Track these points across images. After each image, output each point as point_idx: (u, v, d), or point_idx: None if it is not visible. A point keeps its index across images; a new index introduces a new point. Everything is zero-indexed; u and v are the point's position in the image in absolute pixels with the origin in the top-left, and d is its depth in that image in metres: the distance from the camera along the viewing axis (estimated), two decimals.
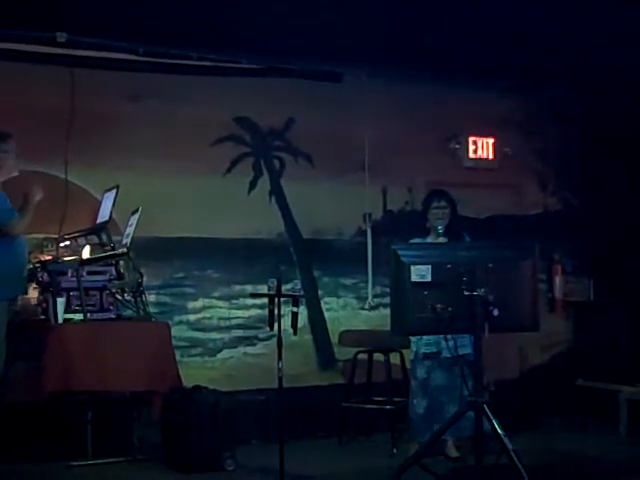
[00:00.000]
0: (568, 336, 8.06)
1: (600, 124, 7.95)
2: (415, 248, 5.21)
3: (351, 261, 7.41)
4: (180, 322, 6.79)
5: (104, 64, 6.49)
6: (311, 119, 7.14)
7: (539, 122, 8.10)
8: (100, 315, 5.89)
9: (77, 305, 5.81)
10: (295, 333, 5.35)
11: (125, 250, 5.90)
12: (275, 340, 5.21)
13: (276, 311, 5.21)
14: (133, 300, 6.04)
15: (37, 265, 5.85)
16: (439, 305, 4.48)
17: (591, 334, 7.67)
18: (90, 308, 5.84)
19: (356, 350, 6.79)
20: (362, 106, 7.21)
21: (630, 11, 6.14)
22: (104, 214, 6.16)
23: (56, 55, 6.33)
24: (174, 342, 6.05)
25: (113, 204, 6.06)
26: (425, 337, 5.81)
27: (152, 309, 6.24)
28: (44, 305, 5.82)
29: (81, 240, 6.33)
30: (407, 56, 6.89)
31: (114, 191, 6.09)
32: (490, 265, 4.56)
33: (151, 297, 6.39)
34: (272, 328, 5.27)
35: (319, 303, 7.33)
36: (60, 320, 5.67)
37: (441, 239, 5.90)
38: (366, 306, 7.45)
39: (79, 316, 5.78)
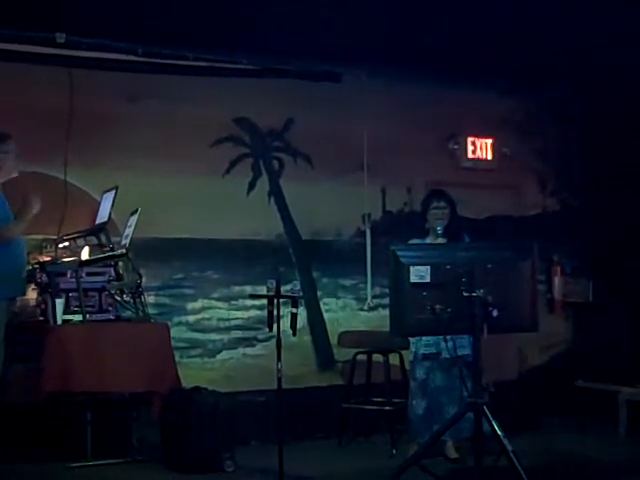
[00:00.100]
0: (567, 337, 8.07)
1: (600, 124, 7.95)
2: (414, 249, 5.21)
3: (350, 262, 7.40)
4: (179, 323, 6.79)
5: (103, 65, 6.50)
6: (310, 119, 7.14)
7: (539, 122, 8.10)
8: (99, 316, 5.88)
9: (76, 306, 5.81)
10: (294, 334, 5.35)
11: (124, 251, 5.90)
12: (274, 341, 5.21)
13: (275, 312, 5.21)
14: (132, 301, 6.04)
15: (36, 266, 5.84)
16: (438, 306, 4.48)
17: (590, 335, 7.67)
18: (89, 309, 5.83)
19: (355, 351, 6.79)
20: (361, 106, 7.20)
21: (630, 11, 6.15)
22: (103, 215, 6.15)
23: (55, 56, 6.33)
24: (173, 343, 6.05)
25: (112, 205, 6.06)
26: (424, 338, 5.80)
27: (151, 310, 6.24)
28: (43, 306, 5.81)
29: (80, 241, 6.33)
30: (407, 56, 6.89)
31: (113, 192, 6.08)
32: (489, 266, 4.55)
33: (150, 298, 6.39)
34: (271, 329, 5.27)
35: (318, 304, 7.32)
36: (59, 321, 5.67)
37: (440, 240, 5.90)
38: (365, 307, 7.45)
39: (78, 317, 5.78)
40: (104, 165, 6.47)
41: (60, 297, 5.71)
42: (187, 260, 6.84)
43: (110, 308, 5.97)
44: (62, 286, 5.78)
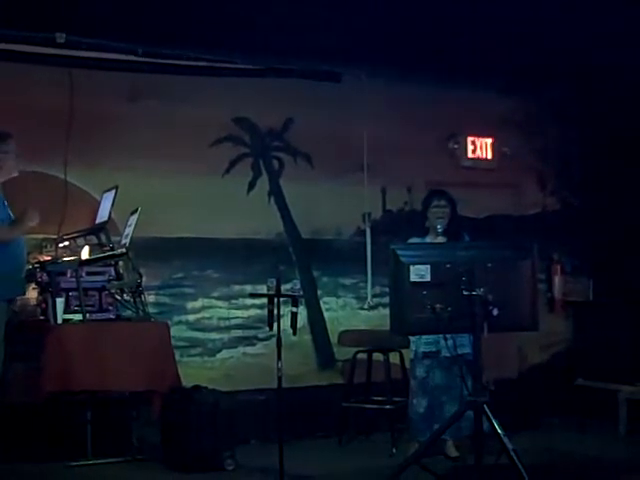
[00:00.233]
0: (567, 336, 8.06)
1: (600, 124, 7.95)
2: (414, 248, 5.21)
3: (350, 261, 7.41)
4: (179, 322, 6.79)
5: (103, 65, 6.50)
6: (310, 119, 7.14)
7: (539, 122, 8.10)
8: (99, 315, 5.89)
9: (76, 305, 5.81)
10: (294, 333, 5.35)
11: (124, 250, 5.90)
12: (274, 340, 5.21)
13: (275, 311, 5.21)
14: (132, 300, 6.04)
15: (36, 265, 5.85)
16: (438, 305, 4.48)
17: (590, 334, 7.67)
18: (89, 308, 5.84)
19: (355, 350, 6.79)
20: (361, 106, 7.21)
21: (630, 11, 6.15)
22: (103, 214, 6.16)
23: (55, 56, 6.33)
24: (173, 342, 6.05)
25: (112, 204, 6.06)
26: (424, 336, 5.81)
27: (151, 309, 6.24)
28: (43, 305, 5.82)
29: (80, 240, 6.33)
30: (407, 56, 6.89)
31: (113, 191, 6.09)
32: (489, 265, 4.56)
33: (150, 297, 6.39)
34: (271, 328, 5.27)
35: (318, 303, 7.33)
36: (59, 320, 5.67)
37: (440, 238, 5.91)
38: (365, 306, 7.45)
39: (78, 316, 5.78)
40: (104, 165, 6.47)
41: (60, 296, 5.71)
42: (187, 259, 6.85)
43: (110, 307, 5.97)
44: (62, 285, 5.78)
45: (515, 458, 4.45)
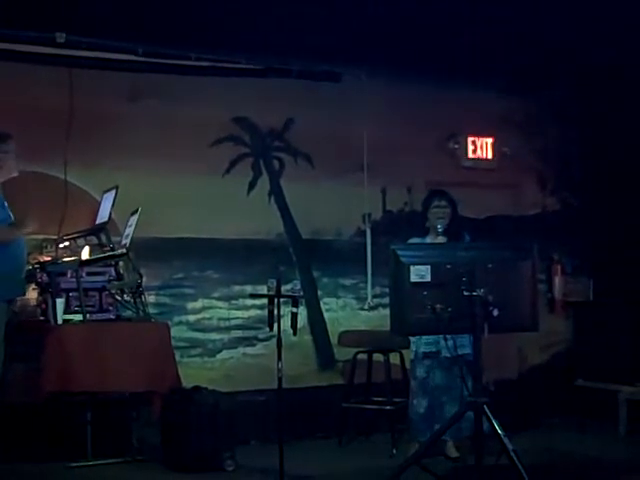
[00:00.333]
0: (567, 336, 8.06)
1: (600, 124, 7.95)
2: (414, 248, 5.21)
3: (350, 261, 7.41)
4: (180, 323, 6.79)
5: (103, 64, 6.50)
6: (310, 119, 7.14)
7: (538, 122, 8.10)
8: (99, 316, 5.89)
9: (76, 306, 5.81)
10: (295, 334, 5.35)
11: (124, 251, 5.90)
12: (275, 341, 5.21)
13: (276, 312, 5.21)
14: (132, 301, 6.04)
15: (36, 266, 5.85)
16: (438, 305, 4.48)
17: (590, 334, 7.66)
18: (89, 309, 5.83)
19: (356, 350, 6.79)
20: (361, 106, 7.21)
21: (630, 11, 6.14)
22: (103, 215, 6.15)
23: (55, 55, 6.33)
24: (174, 343, 6.04)
25: (112, 205, 6.06)
26: (425, 337, 5.81)
27: (152, 310, 6.24)
28: (43, 306, 5.81)
29: (80, 241, 6.33)
30: (407, 56, 6.89)
31: (113, 192, 6.08)
32: (489, 265, 4.55)
33: (150, 298, 6.39)
34: (272, 329, 5.26)
35: (318, 303, 7.33)
36: (59, 321, 5.67)
37: (440, 238, 5.90)
38: (365, 306, 7.45)
39: (78, 317, 5.78)
40: (104, 165, 6.46)
41: (60, 297, 5.71)
42: (187, 260, 6.84)
43: (110, 308, 5.97)
44: (62, 286, 5.78)
45: (515, 458, 4.45)
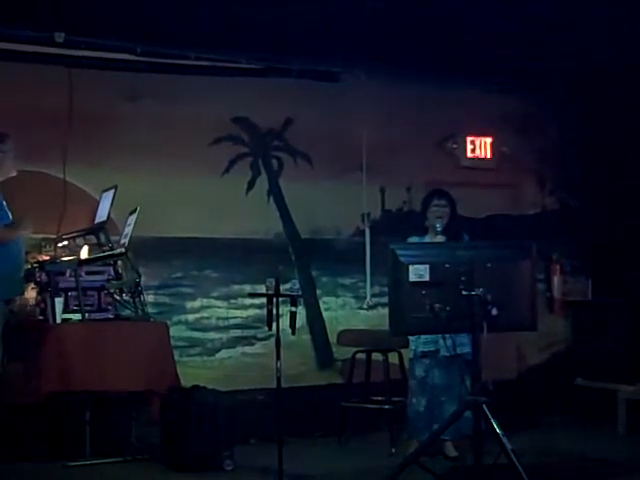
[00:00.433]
0: (566, 335, 8.06)
1: (599, 124, 7.95)
2: (413, 248, 5.21)
3: (349, 261, 7.40)
4: (179, 322, 6.79)
5: (102, 64, 6.50)
6: (310, 119, 7.14)
7: (538, 122, 8.09)
8: (98, 315, 5.89)
9: (75, 305, 5.81)
10: (293, 333, 5.34)
11: (123, 250, 5.90)
12: (273, 340, 5.22)
13: (274, 311, 5.21)
14: (131, 300, 6.04)
15: (35, 265, 5.84)
16: (437, 305, 4.48)
17: (589, 333, 7.66)
18: (88, 308, 5.83)
19: (354, 350, 6.79)
20: (360, 106, 7.21)
21: (630, 11, 6.14)
22: (102, 214, 6.16)
23: (54, 55, 6.33)
24: (173, 342, 6.05)
25: (111, 204, 6.06)
26: (423, 335, 5.81)
27: (150, 309, 6.24)
28: (42, 305, 5.81)
29: (79, 240, 6.33)
30: (406, 56, 6.89)
31: (112, 191, 6.08)
32: (488, 265, 4.56)
33: (149, 297, 6.39)
34: (270, 328, 5.26)
35: (317, 303, 7.32)
36: (58, 320, 5.66)
37: (439, 238, 5.91)
38: (364, 306, 7.45)
39: (77, 316, 5.78)
40: (103, 164, 6.46)
41: (59, 296, 5.71)
42: (186, 259, 6.84)
43: (109, 307, 5.97)
44: (61, 285, 5.78)
45: (514, 458, 4.45)
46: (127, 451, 5.87)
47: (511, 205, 8.03)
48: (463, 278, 4.49)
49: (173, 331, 6.26)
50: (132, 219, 5.97)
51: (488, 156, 7.91)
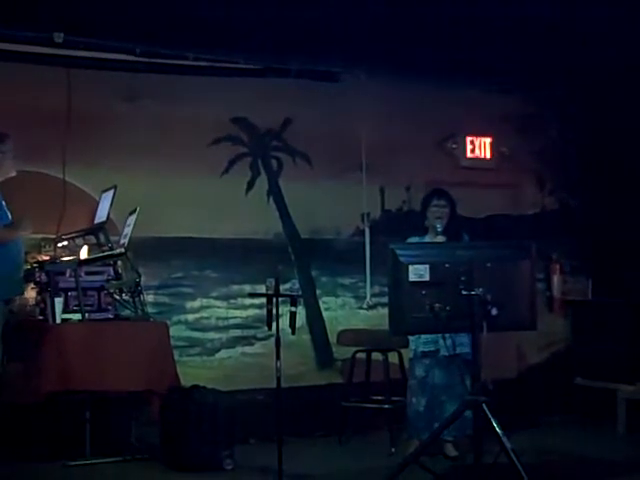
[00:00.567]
0: (566, 335, 8.06)
1: (599, 124, 7.95)
2: (413, 248, 5.22)
3: (349, 261, 7.40)
4: (178, 322, 6.78)
5: (101, 64, 6.49)
6: (309, 119, 7.13)
7: (538, 122, 8.09)
8: (98, 315, 5.89)
9: (75, 305, 5.81)
10: (293, 333, 5.34)
11: (123, 250, 5.90)
12: (273, 340, 5.22)
13: (274, 311, 5.21)
14: (131, 300, 6.04)
15: (35, 265, 5.85)
16: (437, 304, 4.48)
17: (589, 333, 7.67)
18: (88, 308, 5.83)
19: (354, 349, 6.79)
20: (360, 106, 7.21)
21: (630, 11, 6.15)
22: (102, 214, 6.16)
23: (53, 55, 6.33)
24: (172, 342, 6.05)
25: (111, 204, 6.06)
26: (423, 335, 5.81)
27: (150, 309, 6.24)
28: (42, 305, 5.81)
29: (79, 240, 6.33)
30: (406, 56, 6.89)
31: (112, 191, 6.09)
32: (488, 264, 4.56)
33: (149, 297, 6.39)
34: (270, 328, 5.26)
35: (317, 303, 7.32)
36: (58, 320, 5.67)
37: (439, 237, 5.91)
38: (364, 305, 7.45)
39: (77, 316, 5.78)
40: (103, 164, 6.46)
41: (59, 296, 5.71)
42: (186, 259, 6.84)
43: (109, 307, 5.98)
44: (61, 285, 5.78)
45: (514, 457, 4.46)
46: (127, 451, 5.87)
47: (511, 205, 8.03)
48: (463, 278, 4.50)
49: (173, 331, 6.26)
50: (132, 219, 5.97)
51: (488, 156, 7.91)
